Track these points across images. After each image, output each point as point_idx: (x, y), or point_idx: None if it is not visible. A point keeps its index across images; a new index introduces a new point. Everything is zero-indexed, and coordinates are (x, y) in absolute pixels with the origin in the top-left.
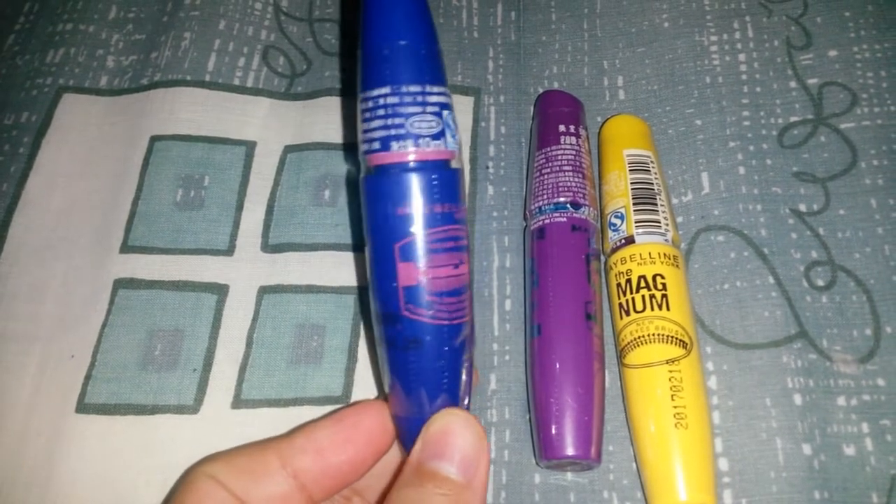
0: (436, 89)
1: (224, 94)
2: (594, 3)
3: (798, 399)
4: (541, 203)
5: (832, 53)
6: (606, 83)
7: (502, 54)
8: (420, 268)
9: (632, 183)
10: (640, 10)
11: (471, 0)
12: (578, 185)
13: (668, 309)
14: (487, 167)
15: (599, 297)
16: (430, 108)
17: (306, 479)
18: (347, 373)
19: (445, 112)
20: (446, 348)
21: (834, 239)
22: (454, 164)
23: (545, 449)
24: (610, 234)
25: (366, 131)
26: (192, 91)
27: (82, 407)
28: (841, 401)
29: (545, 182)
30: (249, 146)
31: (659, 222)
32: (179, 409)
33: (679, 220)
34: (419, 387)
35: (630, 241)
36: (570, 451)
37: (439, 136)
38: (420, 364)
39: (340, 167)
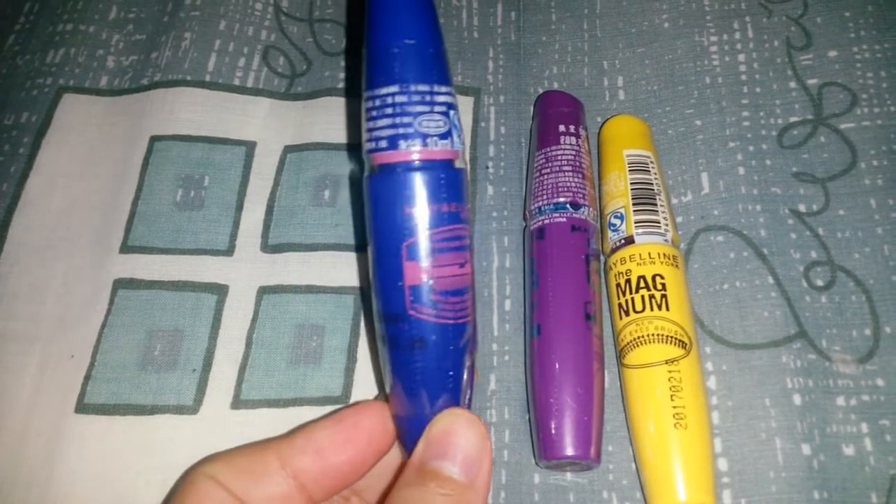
0: (443, 89)
1: (224, 94)
2: (594, 4)
3: (797, 399)
4: (540, 203)
5: (832, 54)
6: (606, 83)
7: (502, 54)
8: (427, 267)
9: (631, 183)
10: (639, 11)
11: (471, 0)
12: (578, 185)
13: (667, 309)
14: (487, 167)
15: (599, 297)
16: (437, 108)
17: (306, 480)
18: (347, 373)
19: (452, 112)
20: (451, 348)
21: (833, 239)
22: (458, 164)
23: (545, 449)
24: (609, 234)
25: (371, 129)
26: (192, 91)
27: (82, 407)
28: (840, 401)
29: (545, 182)
30: (249, 146)
31: (658, 222)
32: (179, 410)
33: (679, 220)
34: (422, 386)
35: (630, 241)
36: (569, 451)
37: (446, 135)
38: (424, 364)
39: (340, 167)
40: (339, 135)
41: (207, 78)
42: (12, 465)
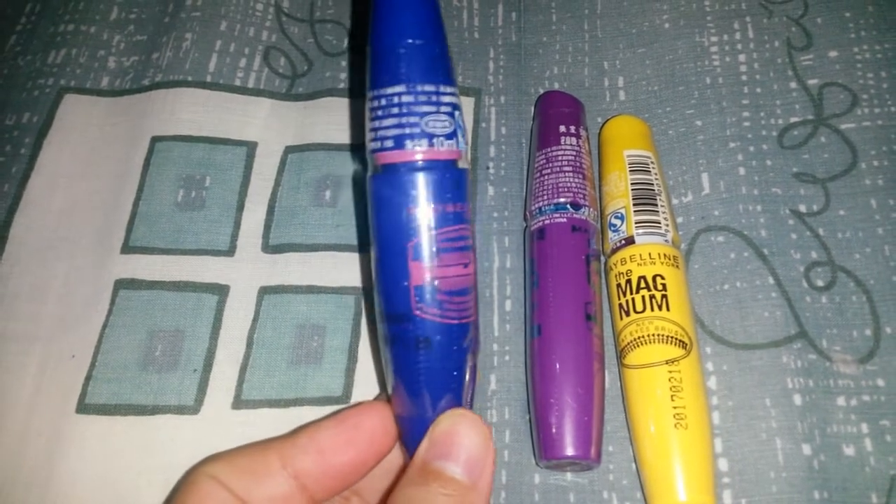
0: (448, 89)
1: (225, 94)
2: (595, 4)
3: (798, 399)
4: (541, 203)
5: (832, 54)
6: (607, 84)
7: (503, 55)
8: (433, 267)
9: (632, 183)
10: (640, 11)
11: (471, 1)
12: (578, 185)
13: (667, 309)
14: (488, 168)
15: (599, 297)
16: (443, 108)
17: (307, 480)
18: (348, 373)
19: (457, 113)
20: (455, 348)
21: (834, 239)
22: (462, 165)
23: (545, 449)
24: (610, 234)
25: (376, 129)
26: (193, 92)
27: (83, 407)
28: (841, 401)
29: (545, 183)
30: (250, 147)
31: (659, 223)
32: (180, 410)
33: (679, 220)
34: (426, 387)
35: (630, 241)
36: (569, 451)
37: (452, 135)
38: (429, 364)
39: (341, 168)
40: (340, 135)
41: (208, 78)
42: (13, 466)
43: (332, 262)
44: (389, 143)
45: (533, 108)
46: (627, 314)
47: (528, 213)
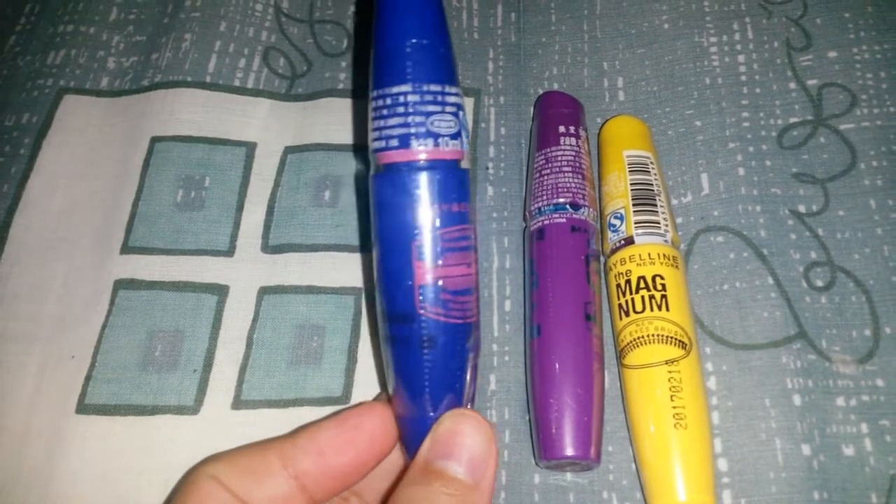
0: (453, 90)
1: (224, 95)
2: (594, 5)
3: (797, 399)
4: (540, 204)
5: (832, 55)
6: (606, 84)
7: (502, 55)
8: (437, 266)
9: (631, 184)
10: (639, 12)
11: (471, 1)
12: (578, 185)
13: (667, 310)
14: (487, 168)
15: (599, 297)
16: (448, 108)
17: (308, 481)
18: (347, 373)
19: (461, 113)
20: (458, 347)
21: (833, 240)
22: (464, 165)
23: (545, 449)
24: (609, 234)
25: (381, 128)
26: (192, 92)
27: (82, 408)
28: (840, 401)
29: (545, 183)
30: (250, 147)
31: (658, 223)
32: (179, 410)
33: (678, 220)
34: (429, 387)
35: (629, 241)
36: (569, 451)
37: (457, 135)
38: (433, 364)
39: (341, 168)
40: (340, 135)
41: (208, 79)
42: (13, 466)
43: (332, 263)
44: (394, 143)
45: (532, 109)
46: (627, 314)
47: (527, 214)
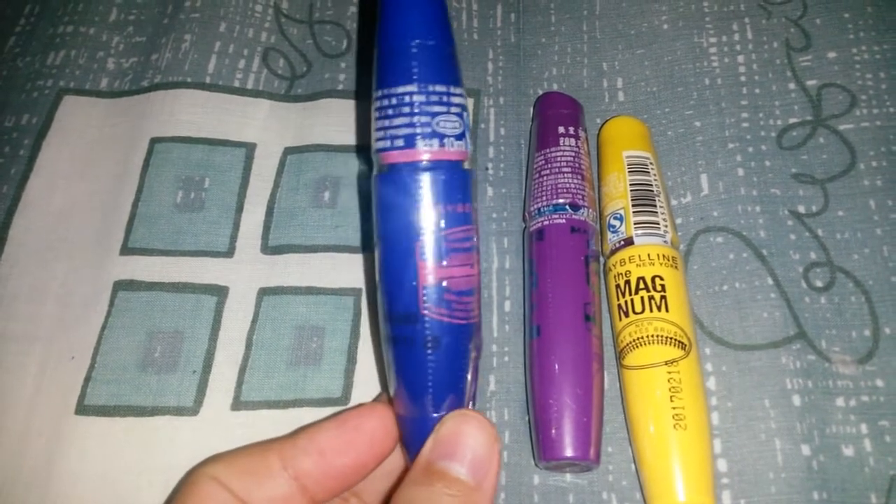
0: (457, 90)
1: (224, 95)
2: (594, 5)
3: (797, 400)
4: (540, 204)
5: (831, 55)
6: (606, 85)
7: (502, 56)
8: (441, 266)
9: (631, 184)
10: (639, 12)
11: (471, 2)
12: (577, 186)
13: (666, 310)
14: (487, 169)
15: (598, 298)
16: (453, 109)
17: (308, 481)
18: (347, 374)
19: (465, 114)
20: (462, 348)
21: (833, 240)
22: (468, 165)
23: (544, 450)
24: (609, 235)
25: (385, 128)
26: (192, 93)
27: (82, 408)
28: (840, 402)
29: (544, 183)
30: (249, 148)
31: (658, 224)
32: (179, 411)
33: (678, 221)
34: (432, 387)
35: (629, 242)
36: (569, 452)
37: (461, 136)
38: (437, 364)
39: (340, 169)
40: (339, 136)
41: (207, 80)
42: (13, 466)
43: (332, 264)
44: (399, 143)
45: (532, 109)
46: (626, 315)
47: (526, 214)
